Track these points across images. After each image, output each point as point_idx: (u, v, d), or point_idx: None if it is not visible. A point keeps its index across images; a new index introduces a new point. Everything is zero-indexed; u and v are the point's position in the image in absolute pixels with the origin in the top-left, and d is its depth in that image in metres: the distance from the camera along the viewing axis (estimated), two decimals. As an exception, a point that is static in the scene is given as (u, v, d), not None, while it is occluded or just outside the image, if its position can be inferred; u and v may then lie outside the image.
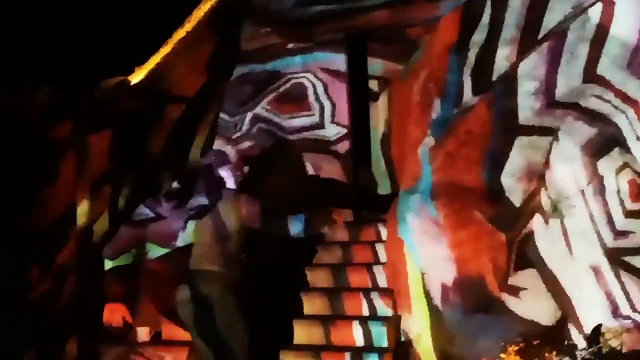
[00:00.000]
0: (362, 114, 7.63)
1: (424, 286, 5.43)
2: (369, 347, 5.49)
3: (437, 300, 5.32)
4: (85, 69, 6.70)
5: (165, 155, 7.22)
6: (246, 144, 8.01)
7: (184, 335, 5.90)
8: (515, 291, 5.05)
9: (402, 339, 5.60)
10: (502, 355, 4.61)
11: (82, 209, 6.00)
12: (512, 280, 5.10)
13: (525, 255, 5.12)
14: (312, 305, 6.00)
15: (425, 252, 5.48)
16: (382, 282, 6.06)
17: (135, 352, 5.87)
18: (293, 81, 7.88)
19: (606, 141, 4.88)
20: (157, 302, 6.42)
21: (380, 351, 5.33)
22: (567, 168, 4.96)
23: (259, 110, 8.01)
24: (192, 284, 4.93)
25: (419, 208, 5.59)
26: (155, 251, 6.84)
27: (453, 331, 5.20)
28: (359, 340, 5.55)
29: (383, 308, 5.79)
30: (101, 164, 6.20)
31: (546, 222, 5.03)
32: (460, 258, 5.24)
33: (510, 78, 5.39)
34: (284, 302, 5.75)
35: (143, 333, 6.11)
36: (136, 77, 6.89)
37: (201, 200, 5.70)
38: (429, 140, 5.68)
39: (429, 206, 5.50)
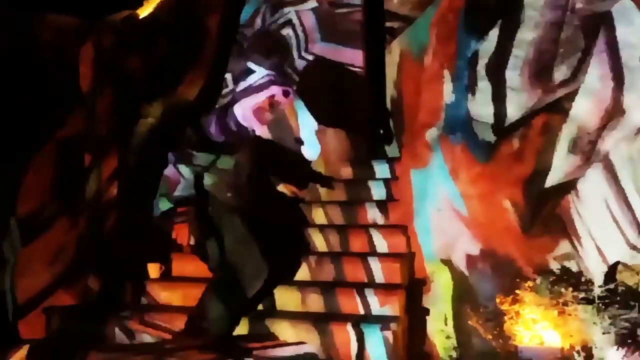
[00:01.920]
0: (378, 53, 7.50)
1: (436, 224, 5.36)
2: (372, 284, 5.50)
3: (450, 238, 5.24)
4: (93, 3, 6.52)
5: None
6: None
7: (193, 271, 5.88)
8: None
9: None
10: (518, 292, 4.50)
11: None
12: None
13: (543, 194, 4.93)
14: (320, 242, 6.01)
15: (440, 189, 5.37)
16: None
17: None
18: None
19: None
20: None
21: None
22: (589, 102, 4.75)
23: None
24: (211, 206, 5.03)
25: (434, 144, 5.47)
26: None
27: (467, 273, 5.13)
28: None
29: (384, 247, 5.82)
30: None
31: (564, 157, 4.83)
32: (475, 195, 5.11)
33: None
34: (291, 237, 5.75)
35: (153, 270, 6.08)
36: (144, 11, 6.73)
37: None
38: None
39: (445, 141, 5.36)
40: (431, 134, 5.54)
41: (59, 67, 5.53)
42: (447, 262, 5.21)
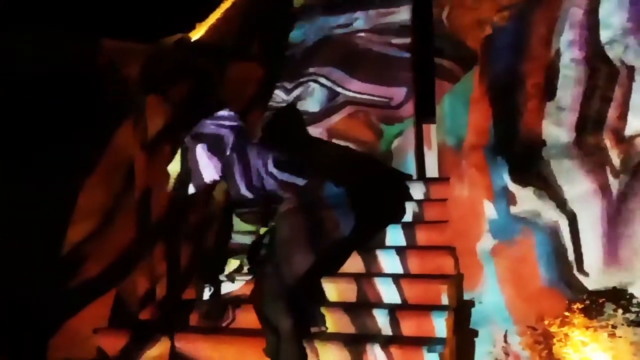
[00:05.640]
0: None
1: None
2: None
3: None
4: (145, 26, 6.69)
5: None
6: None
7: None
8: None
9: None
10: (566, 314, 4.43)
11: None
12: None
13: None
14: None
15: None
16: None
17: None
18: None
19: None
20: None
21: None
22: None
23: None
24: None
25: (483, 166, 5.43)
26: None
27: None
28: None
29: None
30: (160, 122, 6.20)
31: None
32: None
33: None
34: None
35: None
36: (197, 34, 6.88)
37: None
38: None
39: (498, 166, 5.32)
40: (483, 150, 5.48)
41: (114, 91, 5.65)
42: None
